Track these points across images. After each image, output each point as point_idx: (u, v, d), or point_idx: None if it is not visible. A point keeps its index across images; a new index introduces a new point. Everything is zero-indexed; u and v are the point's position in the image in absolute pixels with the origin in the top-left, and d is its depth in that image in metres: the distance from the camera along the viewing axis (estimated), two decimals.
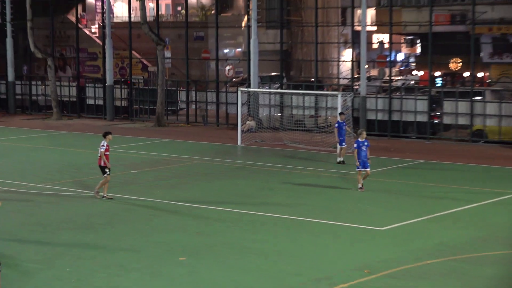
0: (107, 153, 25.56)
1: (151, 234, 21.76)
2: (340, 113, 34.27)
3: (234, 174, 31.42)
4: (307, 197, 26.73)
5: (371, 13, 56.42)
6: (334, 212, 24.56)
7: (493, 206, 25.10)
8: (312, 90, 44.98)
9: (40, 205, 25.54)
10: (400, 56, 64.39)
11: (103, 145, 25.55)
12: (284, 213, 24.20)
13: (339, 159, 33.20)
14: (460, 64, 50.35)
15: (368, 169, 26.93)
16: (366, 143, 26.93)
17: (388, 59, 46.58)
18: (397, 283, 17.30)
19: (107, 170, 25.49)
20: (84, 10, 69.58)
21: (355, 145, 27.16)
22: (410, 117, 41.62)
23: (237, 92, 42.49)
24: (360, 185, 27.07)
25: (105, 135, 26.00)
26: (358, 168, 26.93)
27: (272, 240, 21.16)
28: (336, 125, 33.25)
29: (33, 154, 36.76)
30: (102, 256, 19.51)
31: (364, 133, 27.34)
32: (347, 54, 60.88)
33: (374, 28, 56.55)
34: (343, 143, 32.98)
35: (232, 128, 44.67)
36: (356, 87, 44.59)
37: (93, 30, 65.55)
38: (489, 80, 49.69)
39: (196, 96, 48.87)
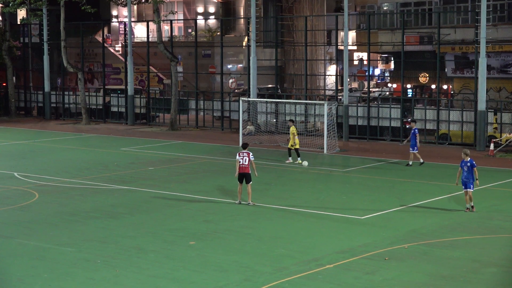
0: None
1: (165, 222, 21.65)
2: (412, 121, 33.97)
3: None
4: (299, 190, 26.60)
5: (352, 35, 56.29)
6: (322, 203, 24.44)
7: (456, 198, 24.94)
8: (302, 100, 44.96)
9: (72, 197, 25.41)
10: (377, 71, 64.26)
11: (252, 155, 23.68)
12: (279, 204, 24.10)
13: (419, 162, 31.99)
14: (428, 78, 50.25)
15: (469, 189, 22.55)
16: (468, 164, 22.54)
17: (366, 73, 46.43)
18: (375, 264, 17.20)
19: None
20: (109, 31, 69.53)
21: (460, 164, 23.03)
22: (385, 123, 41.51)
23: (238, 101, 42.37)
24: (467, 205, 22.90)
25: (245, 146, 24.27)
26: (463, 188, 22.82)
27: (268, 227, 21.05)
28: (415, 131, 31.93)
29: (66, 154, 36.61)
30: (124, 241, 19.39)
31: (463, 154, 22.82)
32: (332, 69, 60.80)
33: (355, 47, 56.41)
34: (414, 148, 31.70)
35: (235, 131, 44.52)
36: (339, 97, 44.45)
37: (117, 48, 65.44)
38: (452, 92, 49.58)
39: (204, 105, 48.71)
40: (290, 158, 33.23)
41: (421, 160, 32.07)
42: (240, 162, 23.70)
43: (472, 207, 22.83)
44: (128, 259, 17.64)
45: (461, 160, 23.05)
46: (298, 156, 32.99)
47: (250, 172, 23.73)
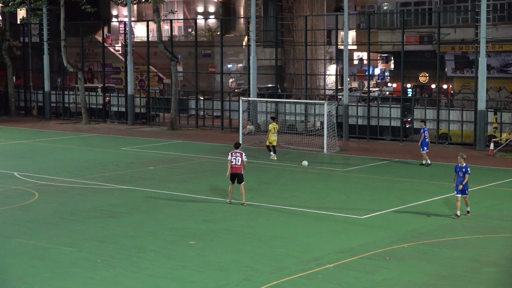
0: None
1: (165, 221, 21.65)
2: (421, 121, 34.20)
3: None
4: (298, 190, 26.59)
5: (352, 34, 56.29)
6: (321, 203, 24.43)
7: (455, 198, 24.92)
8: (302, 99, 45.05)
9: (72, 197, 25.41)
10: (377, 71, 64.28)
11: (245, 155, 23.60)
12: (279, 203, 24.09)
13: (425, 162, 31.84)
14: (428, 77, 50.27)
15: (465, 195, 21.97)
16: (463, 169, 21.80)
17: (366, 73, 46.44)
18: (375, 263, 17.20)
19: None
20: (109, 31, 69.53)
21: (454, 168, 22.26)
22: (385, 123, 41.49)
23: (238, 101, 42.35)
24: (457, 212, 22.03)
25: (238, 146, 24.15)
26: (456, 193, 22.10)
27: (268, 226, 21.05)
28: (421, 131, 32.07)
29: (66, 153, 36.60)
30: (124, 240, 19.39)
31: (460, 158, 21.94)
32: (332, 69, 60.80)
33: (355, 47, 56.42)
34: (423, 148, 31.61)
35: (235, 131, 44.52)
36: (339, 97, 44.45)
37: (117, 48, 65.46)
38: (452, 91, 49.59)
39: (204, 104, 48.72)
40: (273, 154, 33.93)
41: (423, 162, 32.05)
42: (232, 162, 23.58)
43: (468, 212, 22.15)
44: (128, 259, 17.64)
45: (457, 164, 22.16)
46: (270, 151, 34.08)
47: (242, 172, 23.67)
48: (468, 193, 22.15)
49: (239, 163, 23.53)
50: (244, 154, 23.71)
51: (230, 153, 23.78)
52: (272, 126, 33.92)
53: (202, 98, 49.15)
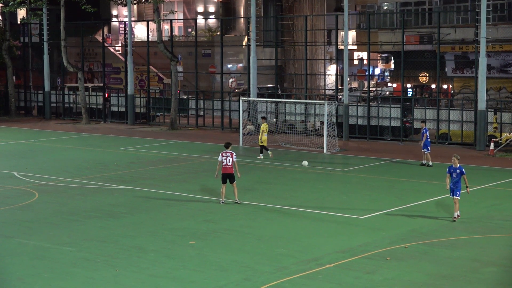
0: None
1: (165, 221, 21.65)
2: (422, 121, 34.36)
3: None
4: (299, 190, 26.59)
5: (352, 34, 56.30)
6: (321, 203, 24.43)
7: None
8: (302, 99, 45.06)
9: (72, 197, 25.40)
10: (377, 71, 64.29)
11: (235, 155, 23.67)
12: (279, 203, 24.09)
13: (426, 162, 31.77)
14: (428, 77, 50.27)
15: (456, 197, 21.41)
16: (458, 170, 21.32)
17: (366, 73, 46.45)
18: (375, 263, 17.20)
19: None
20: (109, 31, 69.54)
21: (447, 169, 21.81)
22: (385, 122, 41.50)
23: (238, 101, 42.36)
24: (455, 214, 21.67)
25: (228, 145, 24.06)
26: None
27: (268, 226, 21.05)
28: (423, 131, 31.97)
29: (66, 153, 36.59)
30: (124, 240, 19.39)
31: (454, 159, 21.52)
32: (332, 69, 60.81)
33: (355, 47, 56.43)
34: (424, 148, 31.57)
35: (235, 131, 44.51)
36: (339, 97, 44.46)
37: (117, 48, 65.44)
38: (452, 91, 49.60)
39: (204, 104, 48.71)
40: (261, 155, 34.15)
41: (424, 162, 32.03)
42: (223, 162, 23.61)
43: (458, 216, 21.56)
44: (128, 259, 17.64)
45: (450, 165, 21.66)
46: (261, 152, 34.24)
47: (233, 172, 23.71)
48: (460, 196, 21.59)
49: (230, 164, 23.62)
50: (234, 154, 23.80)
51: (220, 154, 23.85)
52: (264, 126, 34.15)
53: (186, 97, 49.18)
